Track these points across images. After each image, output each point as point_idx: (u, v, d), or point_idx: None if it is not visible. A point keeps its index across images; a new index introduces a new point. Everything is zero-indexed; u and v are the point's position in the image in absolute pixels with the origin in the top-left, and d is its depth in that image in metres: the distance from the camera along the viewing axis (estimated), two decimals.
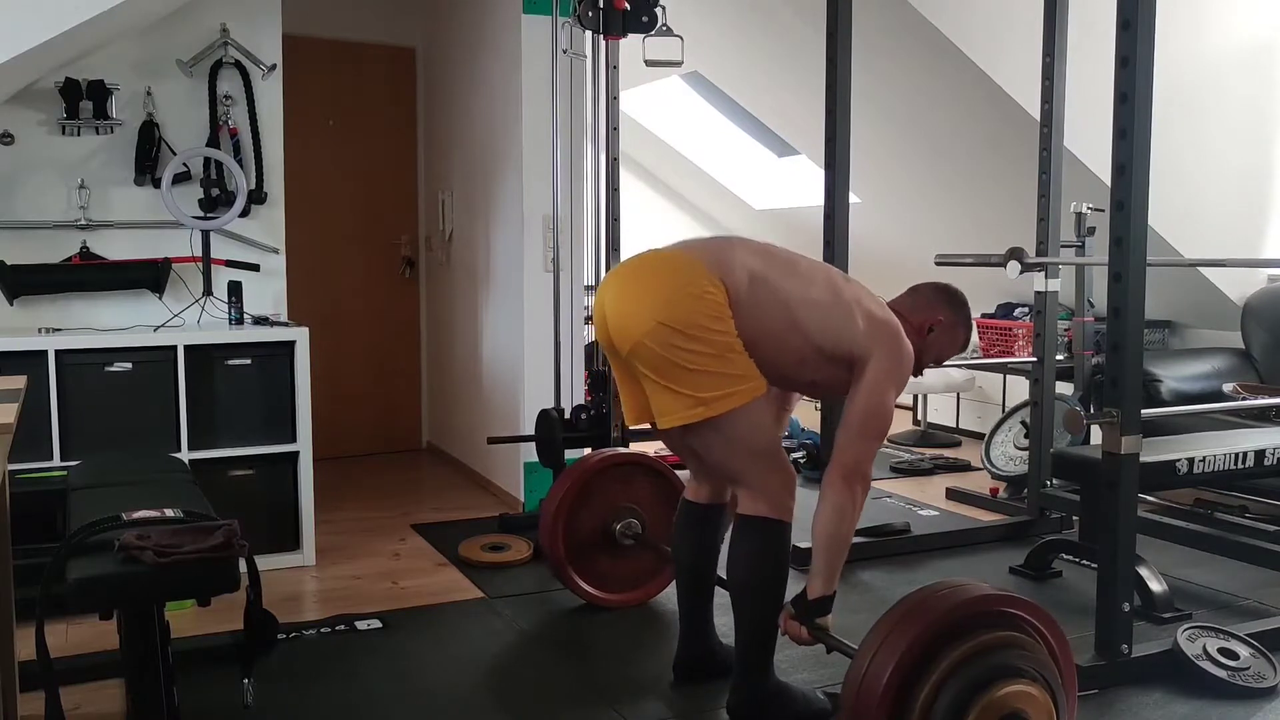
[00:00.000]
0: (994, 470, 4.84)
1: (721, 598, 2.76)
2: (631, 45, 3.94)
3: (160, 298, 3.74)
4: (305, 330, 3.66)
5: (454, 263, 5.30)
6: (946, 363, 2.73)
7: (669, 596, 3.28)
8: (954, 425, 6.35)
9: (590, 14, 3.81)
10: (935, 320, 2.57)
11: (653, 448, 5.26)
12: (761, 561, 2.41)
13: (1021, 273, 3.76)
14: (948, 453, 5.73)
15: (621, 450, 3.39)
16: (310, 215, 5.03)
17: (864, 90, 4.43)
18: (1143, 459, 2.72)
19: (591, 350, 4.21)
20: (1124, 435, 2.62)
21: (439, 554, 3.87)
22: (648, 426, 2.52)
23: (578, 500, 3.19)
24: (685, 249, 2.41)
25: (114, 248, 3.71)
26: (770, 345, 2.35)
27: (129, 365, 3.44)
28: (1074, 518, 4.08)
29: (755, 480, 2.40)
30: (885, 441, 5.96)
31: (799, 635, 2.39)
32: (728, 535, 2.76)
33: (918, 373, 2.58)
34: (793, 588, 2.48)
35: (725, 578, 2.52)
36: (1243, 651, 2.77)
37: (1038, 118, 4.07)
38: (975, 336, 5.90)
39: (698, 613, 2.73)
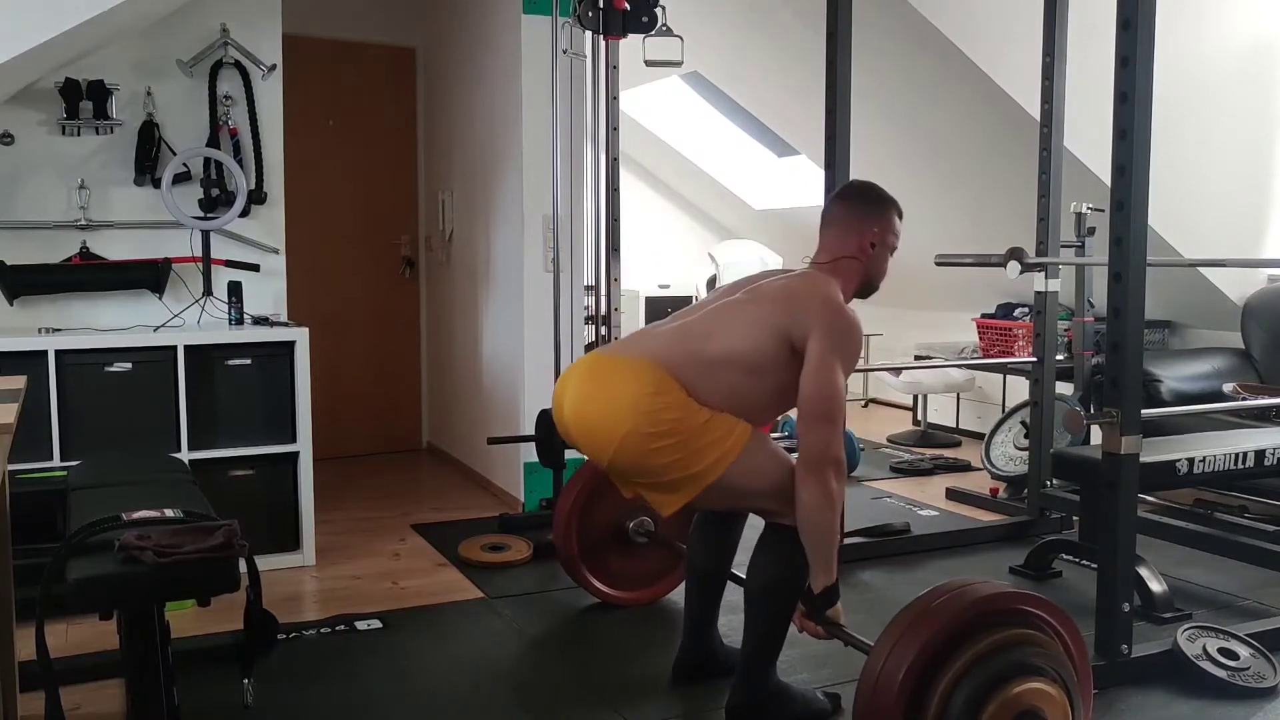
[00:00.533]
0: (994, 470, 4.84)
1: (728, 598, 2.76)
2: (631, 45, 3.94)
3: (160, 298, 3.74)
4: (305, 330, 3.66)
5: (454, 263, 5.30)
6: (948, 364, 2.73)
7: (672, 596, 3.29)
8: (954, 425, 6.35)
9: (590, 14, 3.81)
10: (871, 234, 2.49)
11: None
12: (785, 567, 2.40)
13: (1021, 273, 3.76)
14: (948, 453, 5.74)
15: None
16: (310, 215, 5.03)
17: (864, 90, 4.43)
18: (1143, 459, 2.71)
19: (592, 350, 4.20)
20: (1124, 435, 2.62)
21: (439, 554, 3.87)
22: None
23: (591, 498, 3.18)
24: (629, 351, 2.39)
25: (114, 248, 3.71)
26: (746, 406, 2.35)
27: (129, 365, 3.44)
28: (1074, 518, 4.08)
29: (775, 508, 2.40)
30: (885, 441, 6.02)
31: (816, 632, 2.39)
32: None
33: (876, 287, 2.55)
34: None
35: (744, 579, 2.50)
36: (1243, 651, 2.77)
37: (1038, 118, 4.07)
38: (976, 336, 5.90)
39: (705, 615, 2.73)
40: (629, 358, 2.37)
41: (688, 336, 2.40)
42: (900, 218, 2.57)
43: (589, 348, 4.34)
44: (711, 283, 7.10)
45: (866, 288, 2.55)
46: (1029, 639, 1.98)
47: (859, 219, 2.51)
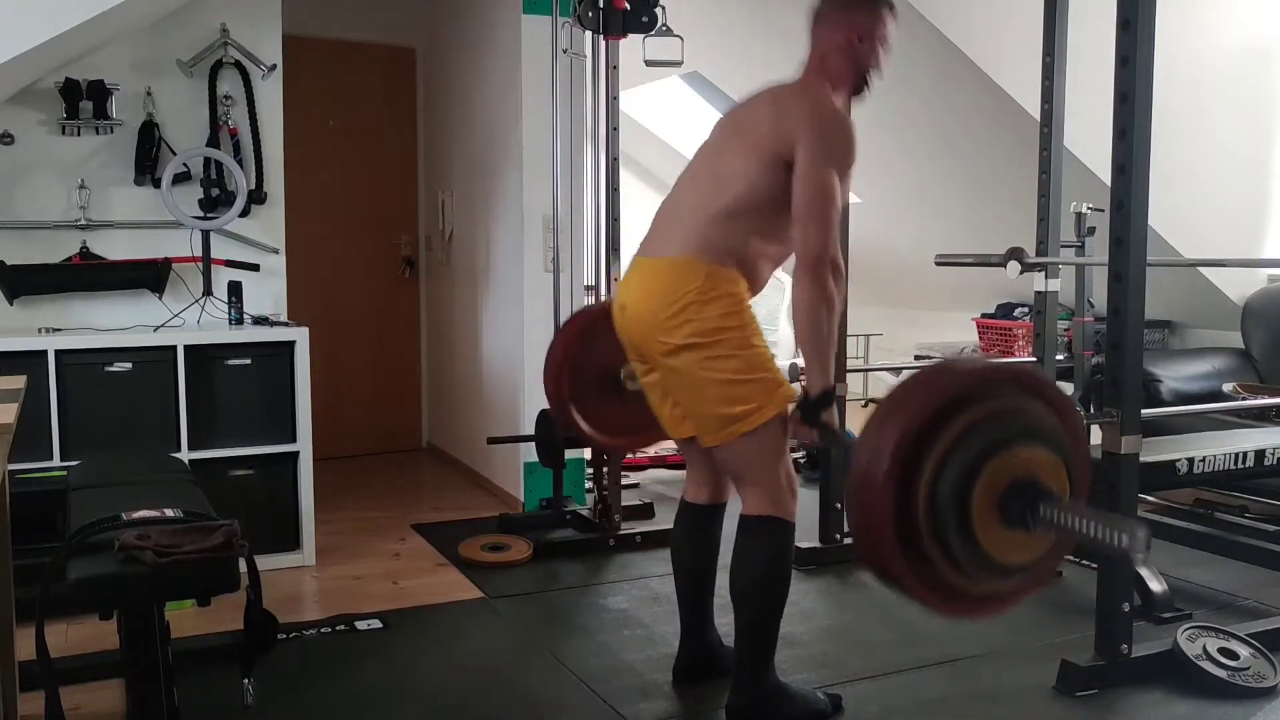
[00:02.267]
0: None
1: (722, 597, 2.76)
2: (631, 45, 3.94)
3: (160, 298, 3.74)
4: (305, 330, 3.66)
5: (454, 263, 5.30)
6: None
7: (670, 596, 3.28)
8: None
9: (590, 14, 3.81)
10: (858, 29, 2.43)
11: (653, 448, 5.26)
12: (764, 562, 2.41)
13: (1021, 273, 3.76)
14: None
15: None
16: (310, 215, 5.02)
17: None
18: (1143, 459, 2.72)
19: None
20: (1124, 435, 2.62)
21: (439, 554, 3.87)
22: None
23: (583, 343, 3.12)
24: (668, 248, 2.40)
25: (114, 248, 3.71)
26: (769, 247, 2.38)
27: (129, 365, 3.44)
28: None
29: (761, 480, 2.41)
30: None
31: (809, 437, 2.36)
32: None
33: (876, 76, 2.49)
34: (795, 588, 2.49)
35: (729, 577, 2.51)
36: (1243, 651, 2.77)
37: (1038, 118, 4.07)
38: (976, 336, 5.90)
39: (698, 613, 2.73)
40: (672, 257, 2.38)
41: (700, 202, 2.40)
42: (893, 14, 2.49)
43: None
44: None
45: (858, 87, 2.49)
46: (1018, 409, 1.88)
47: (846, 14, 2.46)
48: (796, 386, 2.41)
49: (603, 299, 3.86)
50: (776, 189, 2.33)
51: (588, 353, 3.14)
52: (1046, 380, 1.99)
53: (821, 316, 2.27)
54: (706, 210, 2.38)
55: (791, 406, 2.38)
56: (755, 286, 2.43)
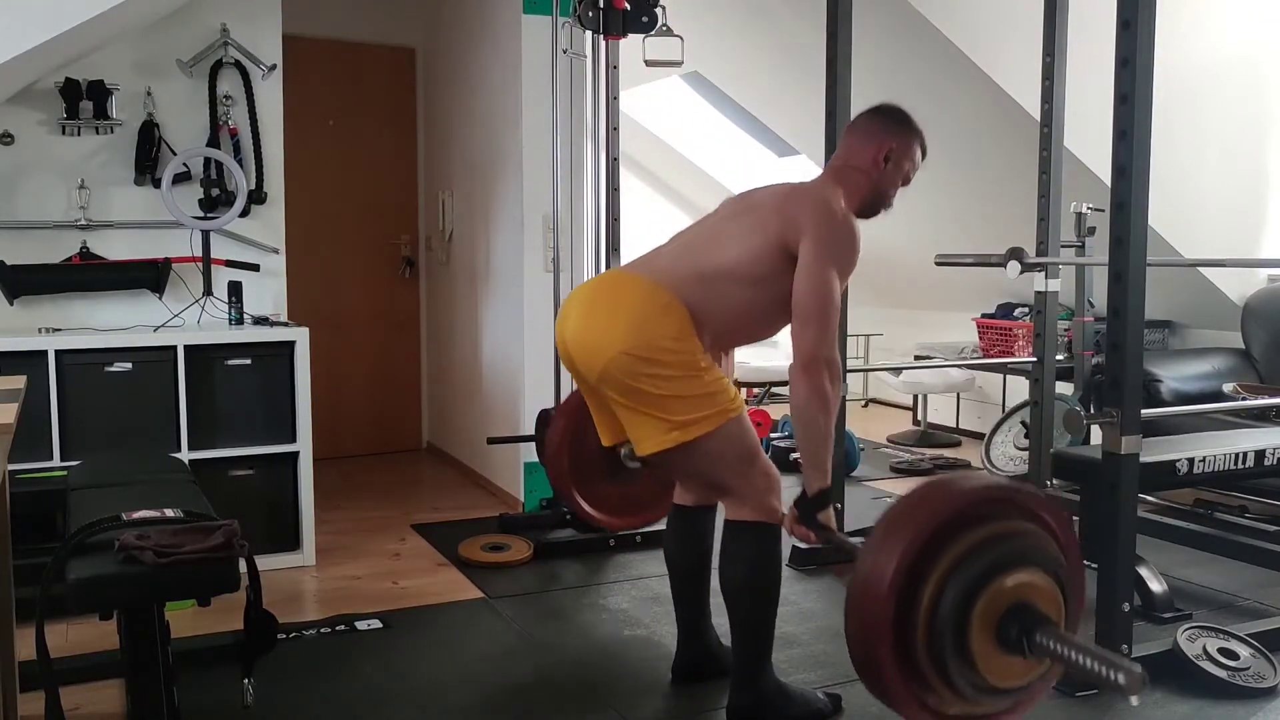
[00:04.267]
0: (994, 470, 4.84)
1: (718, 598, 2.76)
2: (631, 45, 3.94)
3: (160, 298, 3.74)
4: (305, 330, 3.66)
5: (454, 263, 5.30)
6: (948, 364, 2.70)
7: (670, 596, 3.28)
8: (954, 425, 6.35)
9: (590, 14, 3.81)
10: (888, 148, 2.49)
11: None
12: (753, 564, 2.42)
13: (1021, 273, 3.76)
14: (948, 453, 5.74)
15: None
16: (310, 215, 5.03)
17: (864, 90, 4.42)
18: (1143, 459, 2.71)
19: None
20: (1124, 435, 2.62)
21: (439, 554, 3.87)
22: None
23: (584, 420, 3.13)
24: (639, 270, 2.41)
25: (114, 248, 3.71)
26: (749, 320, 2.38)
27: (129, 365, 3.44)
28: (1074, 518, 4.09)
29: (739, 487, 2.41)
30: (885, 441, 6.02)
31: (805, 536, 2.37)
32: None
33: (887, 205, 2.53)
34: (789, 586, 2.49)
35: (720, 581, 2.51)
36: (1243, 651, 2.77)
37: (1038, 118, 4.07)
38: (976, 336, 5.90)
39: (694, 614, 2.73)
40: (640, 276, 2.38)
41: (690, 251, 2.41)
42: (924, 152, 2.57)
43: None
44: None
45: (870, 206, 2.51)
46: (1017, 531, 1.89)
47: (880, 132, 2.51)
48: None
49: None
50: (769, 272, 2.33)
51: (588, 431, 3.15)
52: (1044, 500, 2.00)
53: (818, 417, 2.27)
54: (695, 265, 2.37)
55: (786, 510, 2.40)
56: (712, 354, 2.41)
